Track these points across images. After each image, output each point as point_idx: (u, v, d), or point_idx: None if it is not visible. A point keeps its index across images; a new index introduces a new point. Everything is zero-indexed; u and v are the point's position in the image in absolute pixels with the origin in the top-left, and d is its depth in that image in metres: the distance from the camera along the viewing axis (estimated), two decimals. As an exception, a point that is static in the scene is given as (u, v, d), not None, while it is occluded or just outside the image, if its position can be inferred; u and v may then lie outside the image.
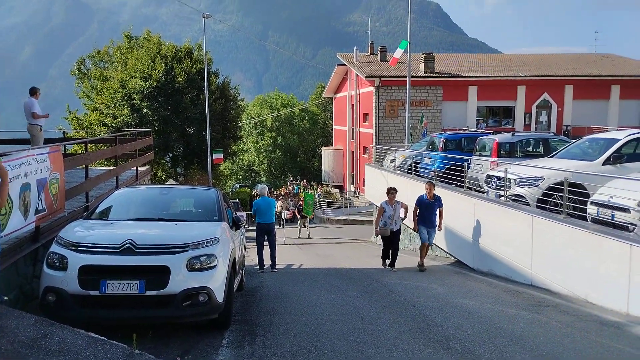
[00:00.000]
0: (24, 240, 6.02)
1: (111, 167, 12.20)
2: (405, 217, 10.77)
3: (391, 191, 10.54)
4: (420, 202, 10.39)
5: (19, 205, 5.47)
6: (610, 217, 7.17)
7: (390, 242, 10.73)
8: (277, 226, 21.93)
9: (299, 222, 23.76)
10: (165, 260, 5.00)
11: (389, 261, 10.87)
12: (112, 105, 28.02)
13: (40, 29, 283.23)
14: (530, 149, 13.44)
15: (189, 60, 29.69)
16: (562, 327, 5.89)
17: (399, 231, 10.74)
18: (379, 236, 11.02)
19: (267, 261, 11.29)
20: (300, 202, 24.23)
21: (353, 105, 35.61)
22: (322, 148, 45.23)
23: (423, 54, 31.00)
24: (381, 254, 11.14)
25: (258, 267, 11.24)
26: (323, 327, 5.93)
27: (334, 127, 44.33)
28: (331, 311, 6.74)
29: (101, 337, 4.22)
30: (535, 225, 8.28)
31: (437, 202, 10.35)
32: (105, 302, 4.85)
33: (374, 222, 10.69)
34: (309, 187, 39.15)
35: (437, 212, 10.40)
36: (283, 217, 23.23)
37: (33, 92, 11.24)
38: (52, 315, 4.78)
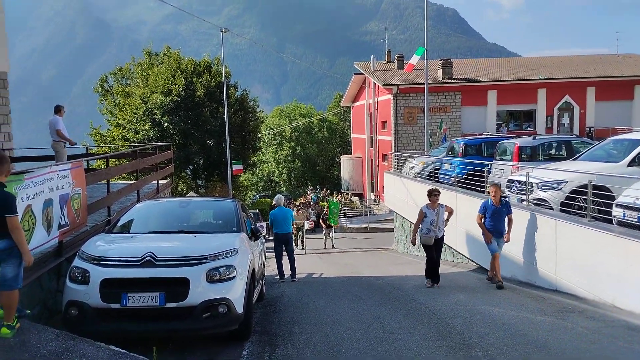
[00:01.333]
0: (48, 256, 6.13)
1: (132, 181, 12.39)
2: (449, 220, 9.48)
3: (433, 193, 9.22)
4: (485, 209, 8.91)
5: (42, 221, 5.58)
6: (636, 220, 6.99)
7: (434, 252, 9.30)
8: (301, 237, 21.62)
9: (324, 231, 22.87)
10: (185, 272, 5.04)
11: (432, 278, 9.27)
12: (134, 121, 28.55)
13: (61, 49, 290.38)
14: (552, 152, 13.22)
15: (208, 74, 30.12)
16: (589, 333, 5.74)
17: (442, 239, 9.34)
18: (416, 245, 9.54)
19: (287, 271, 11.29)
20: (325, 211, 23.37)
21: (371, 113, 35.57)
22: (341, 157, 45.23)
23: (440, 60, 30.85)
24: (425, 268, 9.49)
25: (278, 277, 11.25)
26: (343, 336, 5.88)
27: (352, 135, 44.32)
28: (352, 320, 6.69)
29: (122, 350, 4.26)
30: (559, 229, 8.11)
31: (504, 207, 8.83)
32: (126, 315, 4.91)
33: (413, 228, 9.40)
34: (330, 195, 39.07)
35: (506, 219, 8.87)
36: (305, 228, 22.42)
37: (57, 110, 11.51)
38: (75, 329, 4.84)
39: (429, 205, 9.20)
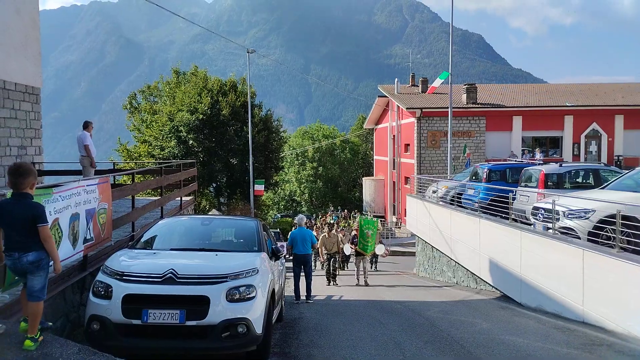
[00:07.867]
0: (72, 269, 6.20)
1: (157, 197, 12.54)
2: None
3: None
4: None
5: (68, 235, 5.66)
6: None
7: None
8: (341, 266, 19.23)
9: (354, 262, 16.67)
10: (205, 290, 5.04)
11: None
12: (160, 138, 29.05)
13: (94, 66, 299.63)
14: (579, 180, 12.96)
15: (234, 94, 30.59)
16: (619, 369, 5.53)
17: None
18: None
19: (304, 292, 11.22)
20: (355, 233, 16.87)
21: (394, 136, 35.55)
22: (363, 178, 45.17)
23: (465, 85, 30.79)
24: None
25: (294, 297, 11.18)
26: (363, 362, 5.78)
27: (374, 157, 44.29)
28: (371, 345, 6.58)
29: (141, 367, 4.25)
30: (587, 259, 7.90)
31: None
32: (146, 332, 4.91)
33: None
34: (349, 217, 38.80)
35: None
36: (347, 253, 17.53)
37: (86, 125, 11.79)
38: (96, 343, 4.85)
39: None
